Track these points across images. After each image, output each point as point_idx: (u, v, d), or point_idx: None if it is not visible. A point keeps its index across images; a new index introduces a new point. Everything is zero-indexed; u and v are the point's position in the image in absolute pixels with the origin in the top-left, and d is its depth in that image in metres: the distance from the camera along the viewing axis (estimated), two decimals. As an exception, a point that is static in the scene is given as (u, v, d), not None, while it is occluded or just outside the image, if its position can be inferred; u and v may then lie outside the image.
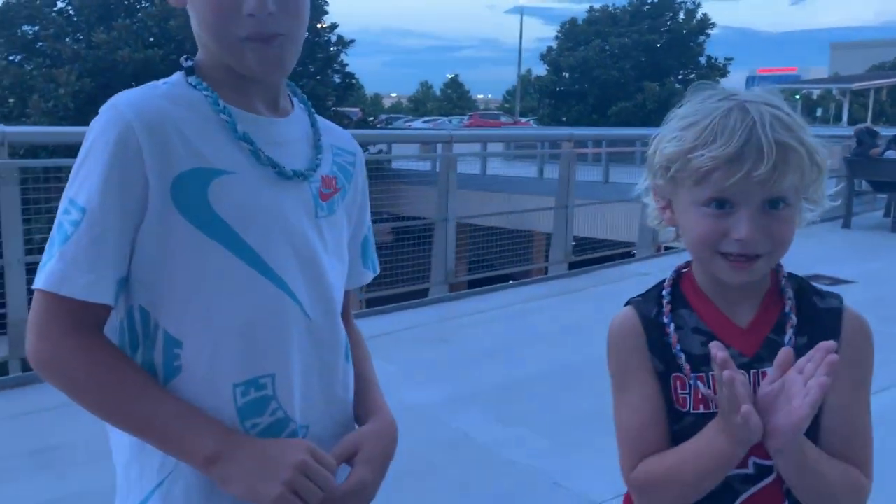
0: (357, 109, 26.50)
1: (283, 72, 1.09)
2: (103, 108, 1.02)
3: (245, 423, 1.05)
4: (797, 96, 40.06)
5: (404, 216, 8.48)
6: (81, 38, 18.93)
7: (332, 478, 1.04)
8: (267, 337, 1.06)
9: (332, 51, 21.63)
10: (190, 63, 1.10)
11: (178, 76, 1.09)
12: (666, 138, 1.08)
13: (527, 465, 3.19)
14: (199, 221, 1.02)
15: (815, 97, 50.18)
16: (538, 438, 3.46)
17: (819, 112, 45.20)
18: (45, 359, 1.02)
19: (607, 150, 13.46)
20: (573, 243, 7.78)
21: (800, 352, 1.01)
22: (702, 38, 40.11)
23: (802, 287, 1.13)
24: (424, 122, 43.72)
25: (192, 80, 1.08)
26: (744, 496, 1.08)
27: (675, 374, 1.09)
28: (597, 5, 41.31)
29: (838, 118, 41.43)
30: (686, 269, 1.16)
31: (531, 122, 43.20)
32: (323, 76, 21.28)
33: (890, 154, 10.26)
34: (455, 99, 71.24)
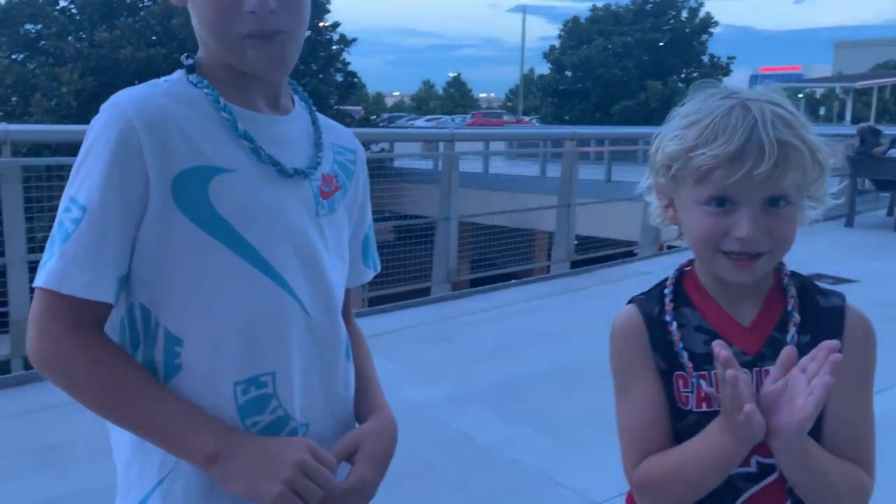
0: (359, 108, 26.49)
1: (285, 69, 1.09)
2: (104, 106, 1.02)
3: (245, 421, 1.05)
4: (800, 95, 39.99)
5: (406, 215, 8.48)
6: (84, 36, 18.97)
7: (331, 476, 1.04)
8: (267, 335, 1.06)
9: (335, 49, 21.64)
10: (191, 61, 1.10)
11: (178, 74, 1.09)
12: (667, 137, 1.08)
13: (528, 465, 3.19)
14: (199, 219, 1.02)
15: (818, 96, 50.10)
16: (540, 437, 3.46)
17: (822, 111, 45.12)
18: (45, 357, 1.02)
19: (610, 149, 13.45)
20: (575, 242, 7.77)
21: (803, 350, 1.01)
22: (704, 36, 40.02)
23: (805, 285, 1.13)
24: (427, 120, 43.72)
25: (192, 78, 1.08)
26: (746, 495, 1.08)
27: (677, 373, 1.09)
28: (599, 4, 41.27)
29: (841, 117, 41.36)
30: (689, 268, 1.16)
31: (534, 120, 43.17)
32: (325, 75, 21.29)
33: (893, 153, 10.23)
34: (458, 98, 71.19)
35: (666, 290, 1.14)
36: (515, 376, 4.23)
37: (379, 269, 1.33)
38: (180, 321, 1.03)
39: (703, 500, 1.06)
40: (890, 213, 10.50)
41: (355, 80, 23.48)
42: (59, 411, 3.17)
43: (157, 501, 1.05)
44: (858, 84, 40.07)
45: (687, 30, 39.43)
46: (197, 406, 1.02)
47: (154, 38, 18.47)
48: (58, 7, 19.70)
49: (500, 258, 8.54)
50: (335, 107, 20.51)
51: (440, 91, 76.26)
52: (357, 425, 1.19)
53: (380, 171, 8.99)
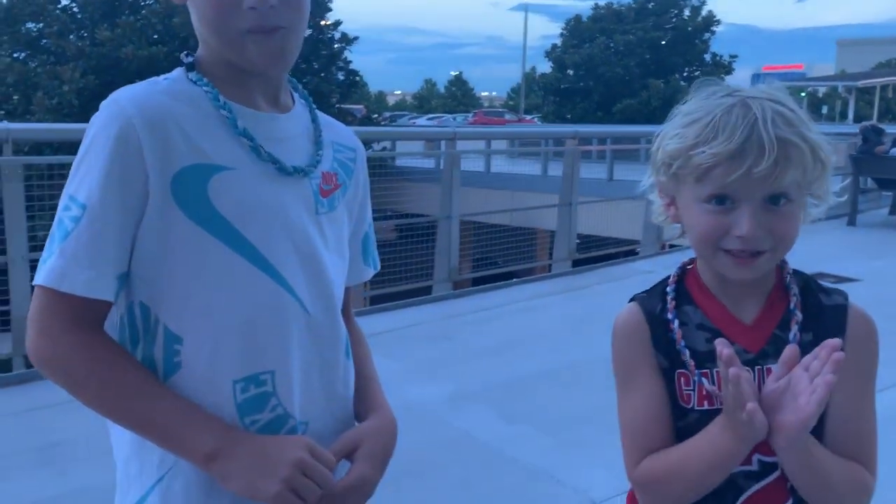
0: (361, 107, 26.49)
1: (285, 65, 1.08)
2: (104, 104, 1.02)
3: (245, 420, 1.05)
4: (803, 94, 39.90)
5: (408, 213, 8.48)
6: (85, 35, 18.98)
7: (330, 475, 1.03)
8: (267, 333, 1.05)
9: (336, 48, 21.64)
10: (190, 59, 1.09)
11: (178, 72, 1.09)
12: (668, 135, 1.08)
13: (529, 463, 3.19)
14: (199, 217, 1.01)
15: (820, 95, 50.02)
16: (541, 436, 3.46)
17: (825, 110, 45.04)
18: (45, 355, 1.02)
19: (612, 148, 13.43)
20: (577, 241, 7.77)
21: (805, 349, 1.00)
22: (707, 35, 39.96)
23: (808, 284, 1.12)
24: (429, 119, 43.71)
25: (192, 75, 1.07)
26: (748, 493, 1.07)
27: (679, 371, 1.09)
28: (602, 2, 41.24)
29: (844, 115, 41.28)
30: (691, 266, 1.16)
31: (536, 119, 43.15)
32: (327, 73, 21.29)
33: (895, 151, 10.22)
34: (459, 96, 71.15)
35: (668, 288, 1.14)
36: (516, 375, 4.23)
37: (379, 267, 1.32)
38: (180, 319, 1.03)
39: (705, 498, 1.06)
40: (892, 212, 10.47)
41: (357, 78, 23.49)
42: (60, 409, 3.17)
43: (156, 499, 1.05)
44: (861, 83, 39.98)
45: (689, 28, 39.37)
46: (196, 404, 1.02)
47: (156, 36, 18.47)
48: (59, 6, 19.71)
49: (501, 257, 8.54)
50: (337, 105, 20.51)
51: (442, 90, 76.23)
52: (356, 424, 1.19)
53: (381, 169, 8.99)
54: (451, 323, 5.46)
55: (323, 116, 1.21)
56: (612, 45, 38.49)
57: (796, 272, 1.14)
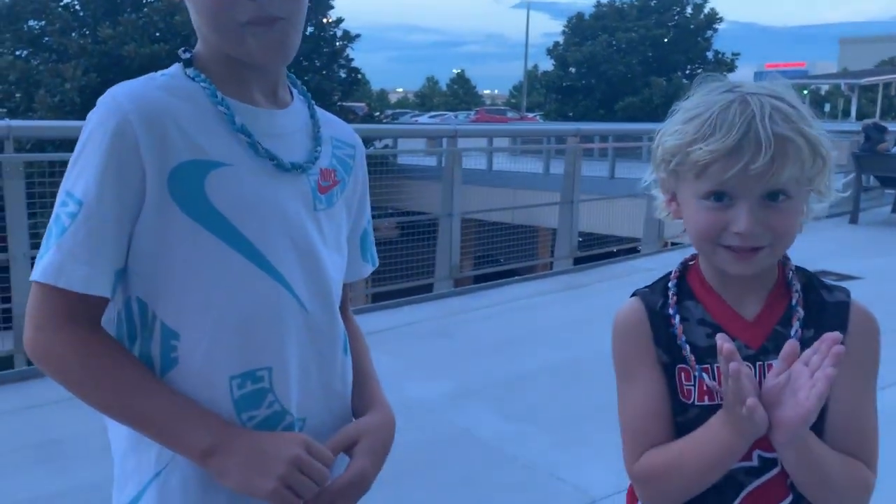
0: (363, 105, 26.49)
1: (285, 57, 1.07)
2: (100, 100, 1.02)
3: (241, 416, 1.05)
4: (805, 91, 39.83)
5: (410, 211, 8.48)
6: (88, 32, 18.97)
7: (326, 472, 1.03)
8: (264, 330, 1.05)
9: (338, 45, 21.61)
10: (188, 55, 1.09)
11: (176, 68, 1.09)
12: (668, 132, 1.08)
13: (530, 461, 3.19)
14: (195, 213, 1.01)
15: (823, 93, 49.93)
16: (542, 434, 3.46)
17: (827, 108, 44.95)
18: (42, 351, 1.02)
19: (613, 146, 13.42)
20: (578, 239, 7.76)
21: (806, 345, 1.00)
22: (709, 32, 39.92)
23: (810, 281, 1.12)
24: (431, 117, 43.71)
25: (190, 71, 1.07)
26: (748, 489, 1.07)
27: (679, 366, 1.09)
28: (604, 0, 41.17)
29: (847, 113, 41.22)
30: (693, 262, 1.16)
31: (538, 117, 43.12)
32: (329, 71, 21.27)
33: (898, 149, 10.21)
34: (461, 94, 71.16)
35: (669, 284, 1.14)
36: (517, 373, 4.23)
37: (377, 263, 1.32)
38: (177, 315, 1.03)
39: (705, 494, 1.06)
40: (894, 210, 10.45)
41: (359, 76, 23.45)
42: (61, 407, 3.18)
43: (153, 494, 1.05)
44: (864, 81, 39.88)
45: (691, 26, 39.33)
46: (193, 400, 1.02)
47: (157, 34, 18.46)
48: (61, 3, 19.70)
49: (502, 255, 8.54)
50: (338, 103, 20.50)
51: (444, 88, 76.23)
52: (354, 420, 1.19)
53: (383, 167, 8.97)
54: (452, 320, 5.45)
55: (322, 112, 1.21)
56: (614, 42, 38.47)
57: (799, 269, 1.13)
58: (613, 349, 1.15)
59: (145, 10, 18.82)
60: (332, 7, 21.90)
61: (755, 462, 1.06)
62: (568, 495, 2.93)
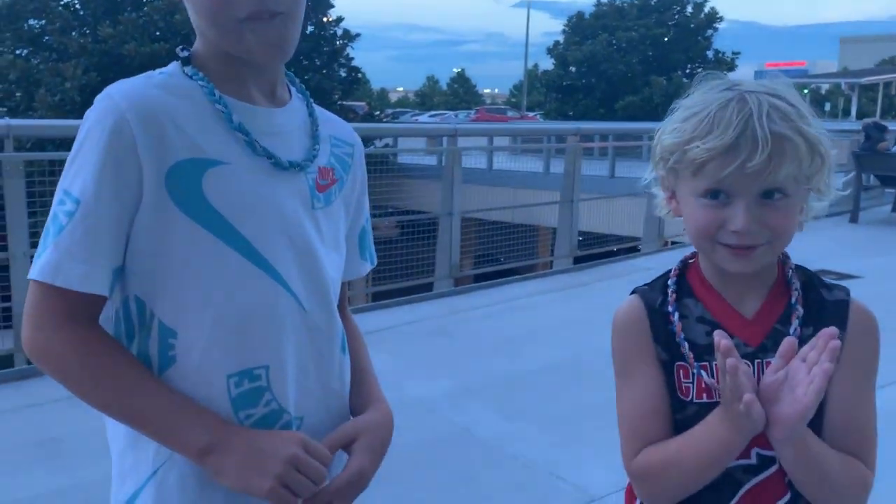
0: (363, 104, 26.48)
1: (285, 54, 1.06)
2: (98, 99, 1.02)
3: (239, 414, 1.05)
4: (805, 91, 39.80)
5: (410, 210, 8.47)
6: (88, 32, 18.96)
7: (324, 470, 1.03)
8: (261, 328, 1.05)
9: (338, 44, 21.59)
10: (186, 53, 1.09)
11: (174, 66, 1.08)
12: (667, 130, 1.09)
13: (529, 459, 3.19)
14: (193, 212, 1.01)
15: (823, 92, 49.91)
16: (541, 433, 3.46)
17: (827, 107, 44.93)
18: (40, 349, 1.02)
19: (613, 145, 13.42)
20: (578, 238, 7.76)
21: (805, 343, 1.00)
22: (709, 31, 39.91)
23: (810, 279, 1.12)
24: (431, 116, 43.71)
25: (187, 69, 1.07)
26: (746, 486, 1.07)
27: (678, 363, 1.09)
28: (604, -1, 41.18)
29: (847, 112, 41.21)
30: (693, 260, 1.16)
31: (538, 116, 43.11)
32: (329, 70, 21.26)
33: (898, 148, 10.20)
34: (461, 93, 71.14)
35: (669, 281, 1.14)
36: (517, 372, 4.23)
37: (376, 262, 1.32)
38: (174, 313, 1.03)
39: (703, 491, 1.06)
40: (895, 209, 10.45)
41: (359, 75, 23.43)
42: (61, 405, 3.18)
43: (151, 492, 1.05)
44: (864, 80, 39.87)
45: (692, 25, 39.32)
46: (191, 399, 1.02)
47: (158, 33, 18.45)
48: (62, 2, 19.70)
49: (503, 254, 8.53)
50: (339, 102, 20.48)
51: (444, 87, 76.20)
52: (352, 418, 1.19)
53: (383, 166, 8.97)
54: (451, 320, 5.45)
55: (321, 111, 1.20)
56: (614, 41, 38.46)
57: (799, 267, 1.13)
58: (613, 346, 1.15)
59: (145, 8, 18.80)
60: (332, 6, 21.88)
61: (753, 460, 1.06)
62: (567, 494, 2.93)
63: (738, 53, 40.80)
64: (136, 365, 1.03)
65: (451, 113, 47.28)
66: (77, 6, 19.90)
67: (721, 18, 40.05)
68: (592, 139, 13.33)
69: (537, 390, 3.97)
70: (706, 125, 1.02)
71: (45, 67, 17.74)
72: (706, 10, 39.63)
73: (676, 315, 1.10)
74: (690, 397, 1.08)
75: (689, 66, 39.14)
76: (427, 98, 73.57)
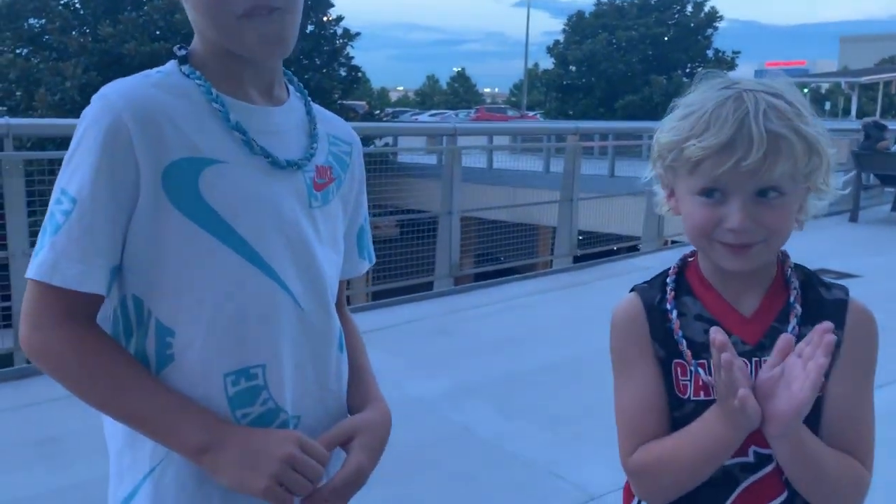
0: (363, 103, 26.48)
1: (283, 50, 1.06)
2: (94, 98, 1.02)
3: (236, 413, 1.05)
4: (805, 90, 39.81)
5: (410, 209, 8.47)
6: (88, 31, 18.95)
7: (320, 469, 1.03)
8: (258, 327, 1.05)
9: (338, 44, 21.58)
10: (184, 52, 1.09)
11: (171, 65, 1.08)
12: (665, 128, 1.09)
13: (528, 458, 3.19)
14: (189, 211, 1.01)
15: (823, 91, 49.91)
16: (540, 431, 3.46)
17: (828, 106, 44.93)
18: (37, 348, 1.02)
19: (613, 144, 13.42)
20: (578, 237, 7.76)
21: (803, 341, 1.00)
22: (709, 31, 39.87)
23: (809, 278, 1.12)
24: (431, 115, 43.71)
25: (184, 68, 1.07)
26: (744, 484, 1.07)
27: (676, 361, 1.09)
28: (604, -2, 41.16)
29: (847, 112, 41.22)
30: (692, 258, 1.16)
31: (538, 115, 43.11)
32: (329, 69, 21.25)
33: (898, 148, 10.20)
34: (462, 93, 71.14)
35: (668, 279, 1.14)
36: (517, 371, 4.23)
37: (374, 260, 1.32)
38: (172, 312, 1.03)
39: (700, 489, 1.06)
40: (894, 209, 10.45)
41: (359, 74, 23.42)
42: (59, 404, 3.17)
43: (148, 490, 1.05)
44: (864, 79, 39.87)
45: (692, 24, 39.30)
46: (187, 398, 1.02)
47: (158, 32, 18.43)
48: (62, 2, 19.69)
49: (502, 253, 8.53)
50: (339, 101, 20.48)
51: (444, 86, 76.20)
52: (349, 416, 1.19)
53: (383, 165, 8.96)
54: (451, 318, 5.45)
55: (319, 109, 1.20)
56: (614, 41, 38.45)
57: (798, 266, 1.13)
58: (611, 343, 1.15)
59: (145, 8, 18.79)
60: (332, 5, 21.86)
61: (751, 458, 1.06)
62: (567, 493, 2.93)
63: (739, 53, 40.78)
64: (134, 364, 1.03)
65: (451, 112, 47.30)
66: (77, 5, 19.89)
67: (721, 17, 40.04)
68: (592, 138, 13.33)
69: (537, 389, 3.97)
70: (702, 123, 1.02)
71: (45, 66, 17.73)
72: (706, 9, 39.60)
73: (675, 313, 1.10)
74: (688, 395, 1.08)
75: (689, 65, 39.12)
76: (427, 97, 73.57)
